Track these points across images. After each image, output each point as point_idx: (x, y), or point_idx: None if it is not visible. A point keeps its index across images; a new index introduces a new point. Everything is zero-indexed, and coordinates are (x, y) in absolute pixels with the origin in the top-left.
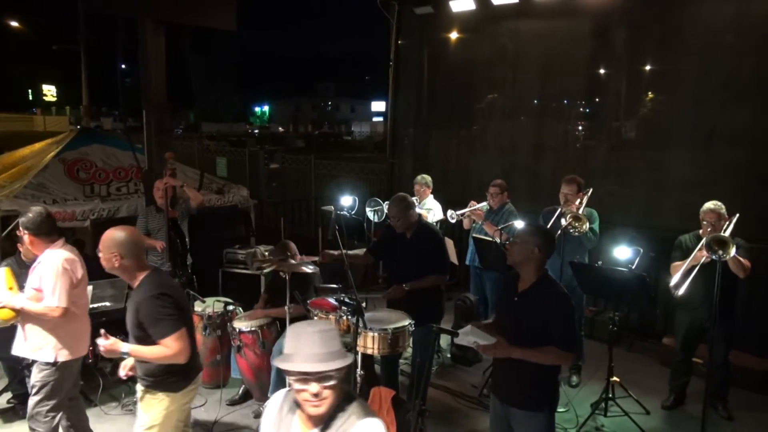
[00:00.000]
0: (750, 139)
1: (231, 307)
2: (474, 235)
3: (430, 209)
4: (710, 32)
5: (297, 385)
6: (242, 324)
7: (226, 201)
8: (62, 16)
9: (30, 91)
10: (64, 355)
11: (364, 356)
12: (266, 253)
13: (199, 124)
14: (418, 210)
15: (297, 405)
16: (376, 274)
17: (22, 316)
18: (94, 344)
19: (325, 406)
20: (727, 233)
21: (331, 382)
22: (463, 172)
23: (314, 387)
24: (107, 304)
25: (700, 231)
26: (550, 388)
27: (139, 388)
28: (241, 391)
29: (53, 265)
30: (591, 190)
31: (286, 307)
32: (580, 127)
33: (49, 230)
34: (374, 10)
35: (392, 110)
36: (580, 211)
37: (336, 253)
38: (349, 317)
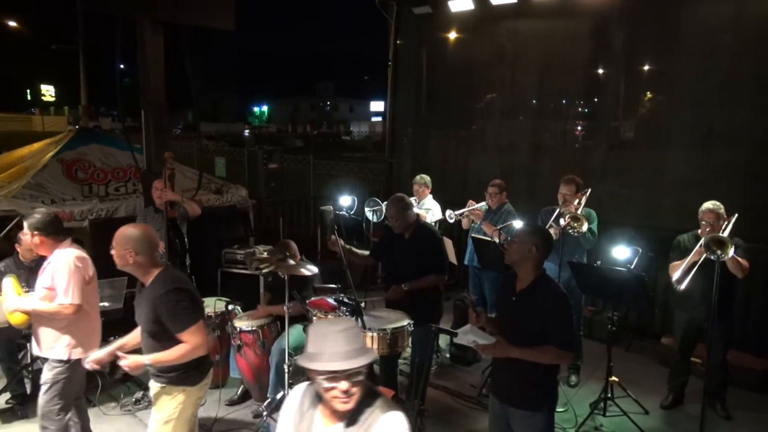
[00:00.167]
0: (748, 139)
1: (232, 307)
2: (473, 235)
3: (429, 209)
4: (709, 32)
5: (326, 384)
6: (243, 323)
7: (224, 201)
8: (61, 16)
9: (28, 90)
10: (77, 353)
11: None
12: (265, 253)
13: (198, 124)
14: (416, 210)
15: (318, 400)
16: (375, 274)
17: (33, 317)
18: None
19: (353, 401)
20: (726, 233)
21: (359, 378)
22: (462, 172)
23: (344, 384)
24: (105, 304)
25: (699, 231)
26: (549, 388)
27: (155, 385)
28: (240, 391)
29: (65, 263)
30: (589, 190)
31: (285, 307)
32: (578, 127)
33: (57, 230)
34: (373, 10)
35: (391, 110)
36: (579, 212)
37: (342, 243)
38: (348, 317)
